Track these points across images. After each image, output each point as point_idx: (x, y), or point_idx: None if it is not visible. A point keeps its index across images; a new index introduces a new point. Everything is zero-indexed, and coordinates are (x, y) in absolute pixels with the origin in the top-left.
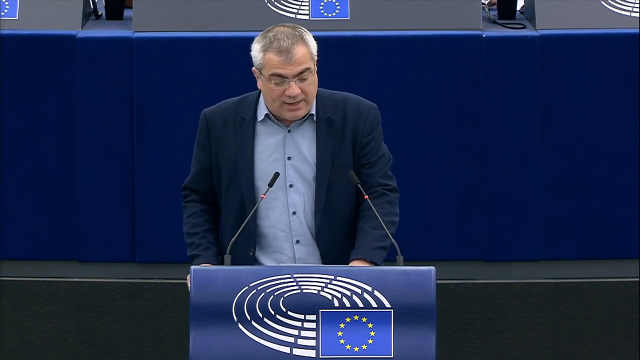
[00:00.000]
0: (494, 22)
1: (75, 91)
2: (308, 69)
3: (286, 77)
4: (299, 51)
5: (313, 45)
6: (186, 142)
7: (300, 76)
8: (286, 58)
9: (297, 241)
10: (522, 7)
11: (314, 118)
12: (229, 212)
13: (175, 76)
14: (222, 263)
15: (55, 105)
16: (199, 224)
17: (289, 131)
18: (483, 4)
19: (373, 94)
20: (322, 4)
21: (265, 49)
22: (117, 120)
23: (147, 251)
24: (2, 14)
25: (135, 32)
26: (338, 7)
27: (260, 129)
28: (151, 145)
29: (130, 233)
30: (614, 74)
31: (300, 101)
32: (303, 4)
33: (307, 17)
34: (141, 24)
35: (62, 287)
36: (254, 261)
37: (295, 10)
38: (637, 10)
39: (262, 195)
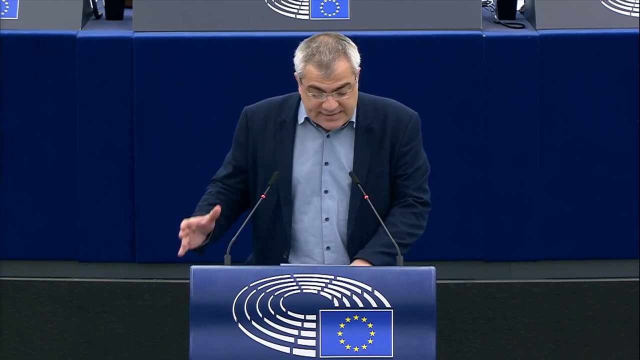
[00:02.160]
0: (496, 22)
1: (75, 91)
2: (348, 84)
3: (324, 91)
4: (340, 66)
5: (355, 60)
6: (186, 142)
7: (339, 91)
8: (325, 73)
9: (328, 247)
10: (522, 7)
11: (354, 125)
12: (263, 213)
13: (175, 76)
14: (219, 226)
15: (55, 105)
16: (209, 199)
17: (327, 136)
18: (485, 4)
19: (373, 94)
20: (322, 4)
21: (306, 60)
22: (117, 120)
23: (147, 251)
24: (2, 14)
25: (135, 32)
26: (338, 7)
27: (300, 132)
28: (151, 145)
29: (130, 233)
30: (614, 74)
31: (338, 113)
32: (303, 4)
33: (307, 17)
34: (141, 24)
35: (62, 287)
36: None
37: (295, 10)
38: (637, 10)
39: (262, 196)
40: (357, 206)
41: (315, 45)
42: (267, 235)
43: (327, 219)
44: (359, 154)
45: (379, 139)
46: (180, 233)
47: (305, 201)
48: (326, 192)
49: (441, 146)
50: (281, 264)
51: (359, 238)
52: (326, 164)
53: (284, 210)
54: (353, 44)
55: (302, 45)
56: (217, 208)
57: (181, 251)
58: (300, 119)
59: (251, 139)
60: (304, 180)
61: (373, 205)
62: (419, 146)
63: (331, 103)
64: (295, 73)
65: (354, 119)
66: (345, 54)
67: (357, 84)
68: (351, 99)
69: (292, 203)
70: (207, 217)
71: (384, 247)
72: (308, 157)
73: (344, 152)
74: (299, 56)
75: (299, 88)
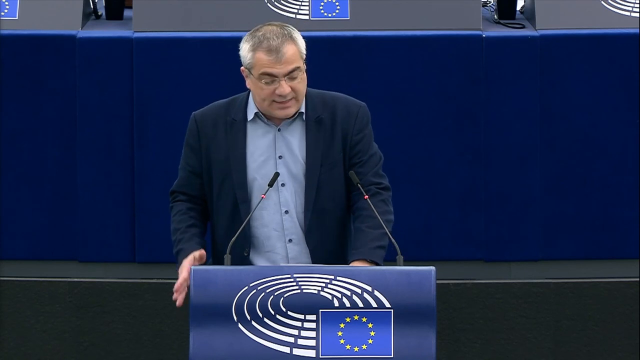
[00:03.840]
0: (496, 22)
1: (75, 91)
2: (298, 67)
3: (276, 77)
4: (289, 50)
5: (302, 44)
6: None
7: (290, 75)
8: (276, 57)
9: (290, 240)
10: (522, 7)
11: (304, 117)
12: (221, 213)
13: (175, 76)
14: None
15: (55, 105)
16: (183, 220)
17: (279, 130)
18: (485, 4)
19: (373, 94)
20: (322, 4)
21: (254, 49)
22: (117, 120)
23: (147, 251)
24: (2, 14)
25: (135, 32)
26: (338, 7)
27: (251, 129)
28: (151, 145)
29: (130, 233)
30: (614, 74)
31: (290, 99)
32: (303, 4)
33: (307, 17)
34: (141, 24)
35: (62, 287)
36: (248, 262)
37: (295, 10)
38: (637, 10)
39: (262, 195)
40: (312, 198)
41: (260, 33)
42: (226, 236)
43: (286, 212)
44: (311, 145)
45: (330, 130)
46: (175, 295)
47: None
48: (283, 185)
49: (441, 146)
50: (283, 265)
51: (317, 229)
52: (280, 157)
53: (241, 207)
54: (297, 31)
55: (246, 37)
56: (201, 254)
57: (180, 302)
58: (250, 116)
59: (203, 142)
60: (260, 176)
61: (329, 195)
62: (370, 135)
63: (284, 88)
64: (242, 67)
65: (303, 110)
66: (292, 38)
67: (305, 72)
68: (302, 84)
69: (249, 200)
70: (189, 268)
71: (376, 241)
72: (261, 153)
73: (296, 144)
74: (245, 47)
75: (247, 82)
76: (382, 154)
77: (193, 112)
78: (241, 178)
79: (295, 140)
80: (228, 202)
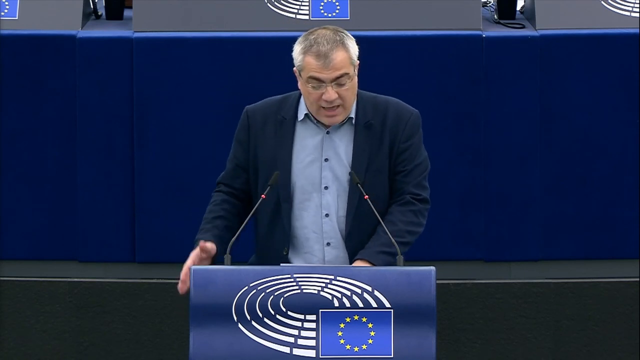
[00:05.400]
0: (496, 22)
1: (75, 91)
2: (346, 74)
3: (323, 82)
4: (338, 56)
5: (354, 51)
6: (186, 141)
7: (337, 81)
8: (324, 63)
9: (328, 243)
10: (522, 7)
11: (353, 121)
12: (263, 211)
13: (175, 76)
14: (221, 243)
15: (55, 105)
16: (213, 211)
17: (327, 132)
18: (485, 4)
19: (372, 93)
20: (322, 4)
21: (305, 52)
22: (117, 120)
23: (147, 251)
24: (2, 14)
25: (135, 32)
26: (338, 7)
27: (300, 129)
28: (151, 145)
29: (130, 233)
30: (614, 74)
31: (337, 106)
32: (303, 4)
33: (307, 17)
34: (141, 24)
35: (62, 287)
36: (286, 261)
37: (295, 10)
38: (637, 10)
39: (263, 195)
40: (355, 202)
41: (313, 37)
42: (267, 233)
43: (327, 215)
44: (358, 150)
45: (378, 136)
46: (180, 284)
47: (305, 197)
48: (326, 188)
49: (441, 146)
50: (281, 264)
51: (357, 234)
52: (326, 160)
53: (283, 207)
54: (351, 37)
55: (300, 38)
56: (202, 245)
57: (182, 291)
58: (300, 116)
59: (252, 137)
60: (304, 176)
61: (372, 201)
62: (418, 143)
63: (330, 93)
64: (294, 67)
65: (353, 115)
66: (343, 45)
67: (356, 77)
68: (350, 91)
69: (291, 200)
70: (194, 257)
71: (385, 247)
72: (308, 154)
73: (343, 148)
74: (297, 49)
75: (299, 83)
76: (429, 163)
77: (246, 107)
78: (285, 177)
79: (342, 144)
80: (271, 201)
